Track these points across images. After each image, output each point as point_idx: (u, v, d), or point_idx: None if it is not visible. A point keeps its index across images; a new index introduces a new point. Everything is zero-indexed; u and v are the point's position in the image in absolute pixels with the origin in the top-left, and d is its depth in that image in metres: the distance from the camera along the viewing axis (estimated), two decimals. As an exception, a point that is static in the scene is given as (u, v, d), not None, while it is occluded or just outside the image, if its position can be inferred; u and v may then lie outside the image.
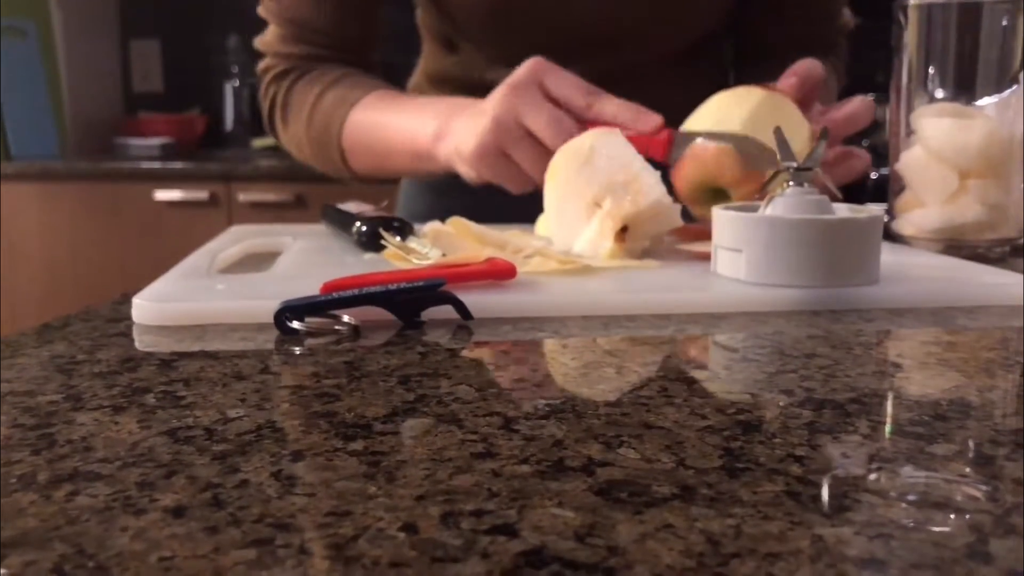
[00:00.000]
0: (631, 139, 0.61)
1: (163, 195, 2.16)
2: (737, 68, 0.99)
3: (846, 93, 0.80)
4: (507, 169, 0.69)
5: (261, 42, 0.89)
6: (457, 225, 0.59)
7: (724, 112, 0.65)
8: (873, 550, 0.21)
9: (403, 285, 0.44)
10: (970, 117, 0.65)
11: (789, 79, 0.68)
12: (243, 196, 2.14)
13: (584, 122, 0.65)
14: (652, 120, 0.65)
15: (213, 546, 0.21)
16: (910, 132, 0.69)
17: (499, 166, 0.68)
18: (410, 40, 1.00)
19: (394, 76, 0.90)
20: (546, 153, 0.65)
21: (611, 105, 0.65)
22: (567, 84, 0.66)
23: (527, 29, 0.86)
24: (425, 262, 0.53)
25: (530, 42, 0.83)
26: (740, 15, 0.95)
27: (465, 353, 0.40)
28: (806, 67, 0.70)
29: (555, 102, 0.66)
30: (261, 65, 0.90)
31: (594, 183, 0.58)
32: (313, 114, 0.85)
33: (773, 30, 0.96)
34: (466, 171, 0.71)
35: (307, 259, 0.60)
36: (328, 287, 0.46)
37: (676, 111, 0.75)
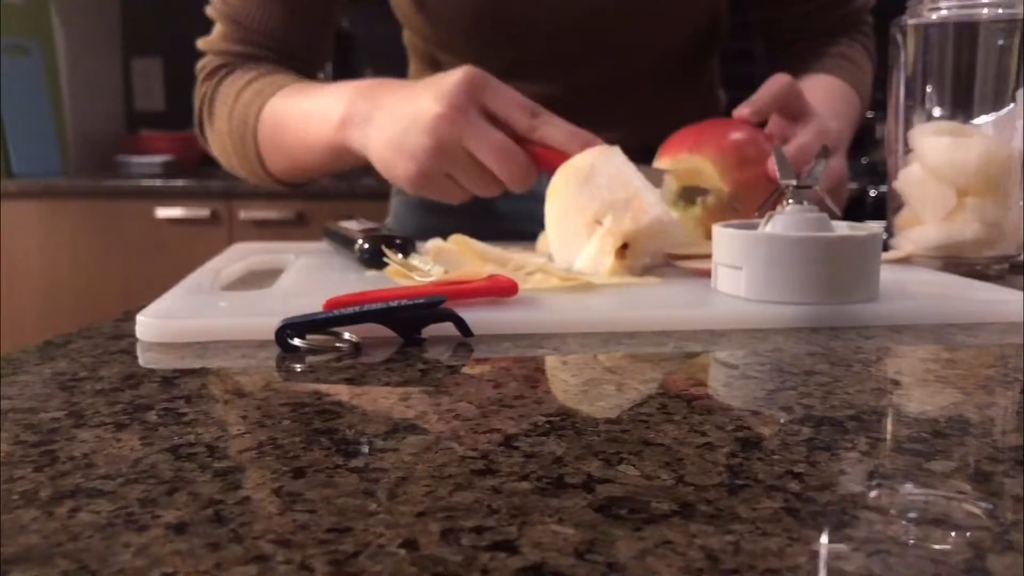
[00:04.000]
0: (559, 161, 0.62)
1: (164, 213, 2.17)
2: (770, 60, 0.99)
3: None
4: (446, 188, 0.67)
5: (203, 42, 0.85)
6: (459, 242, 0.59)
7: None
8: (872, 567, 0.21)
9: (403, 302, 0.45)
10: (968, 135, 0.66)
11: (742, 110, 0.69)
12: (244, 214, 2.15)
13: (527, 140, 0.64)
14: (596, 145, 0.63)
15: (215, 562, 0.21)
16: (908, 150, 0.69)
17: (439, 186, 0.66)
18: (400, 57, 1.00)
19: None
20: (488, 173, 0.64)
21: (557, 131, 0.63)
22: (509, 104, 0.63)
23: (514, 41, 0.86)
24: (427, 279, 0.53)
25: (517, 54, 0.83)
26: (754, 11, 0.95)
27: (466, 370, 0.40)
28: (768, 92, 0.69)
29: (497, 120, 0.64)
30: (198, 64, 0.86)
31: (595, 200, 0.58)
32: (234, 108, 0.81)
33: (788, 22, 0.96)
34: (395, 182, 0.68)
35: (309, 276, 0.60)
36: (331, 304, 0.47)
37: (668, 117, 0.76)
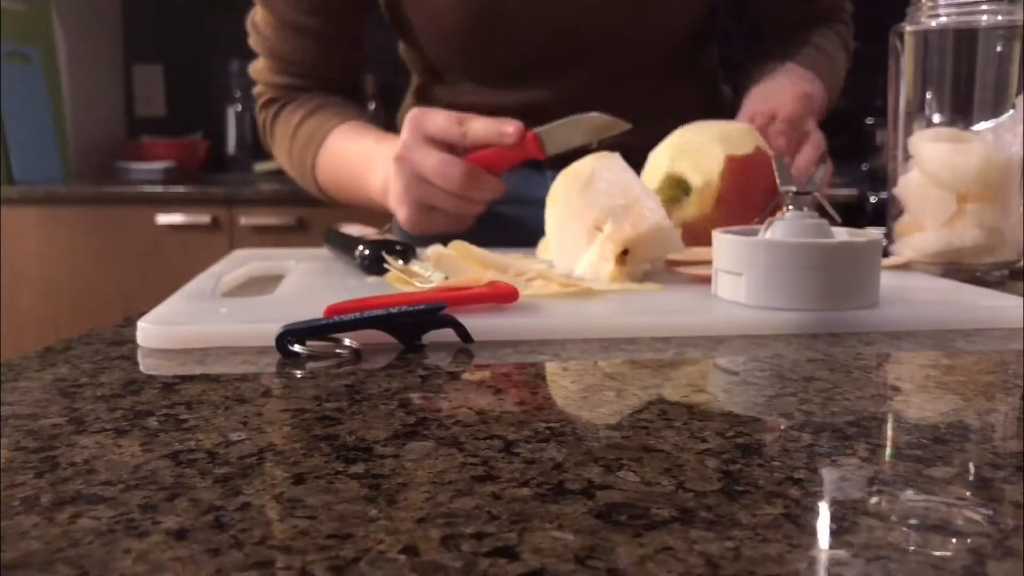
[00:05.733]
0: (506, 154, 0.68)
1: (165, 219, 2.17)
2: (747, 49, 1.00)
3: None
4: (438, 219, 0.72)
5: (253, 69, 0.93)
6: (459, 249, 0.60)
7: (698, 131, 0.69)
8: (872, 573, 0.21)
9: (404, 308, 0.45)
10: (967, 141, 0.66)
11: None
12: (245, 220, 2.15)
13: (470, 150, 0.69)
14: (511, 128, 0.68)
15: (215, 568, 0.21)
16: (908, 156, 0.69)
17: (432, 220, 0.72)
18: (401, 64, 1.01)
19: (391, 99, 0.92)
20: (455, 195, 0.69)
21: (477, 126, 0.68)
22: (438, 124, 0.69)
23: (506, 46, 0.86)
24: (428, 285, 0.53)
25: (511, 59, 0.85)
26: (735, 3, 0.96)
27: (466, 376, 0.40)
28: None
29: (438, 143, 0.69)
30: (255, 91, 0.95)
31: (595, 207, 0.58)
32: (292, 148, 0.90)
33: (762, 14, 0.97)
34: (410, 232, 0.75)
35: (310, 283, 0.60)
36: (332, 310, 0.47)
37: (663, 113, 0.76)
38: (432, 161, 0.68)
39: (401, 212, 0.73)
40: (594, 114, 0.69)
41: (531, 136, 0.68)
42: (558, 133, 0.68)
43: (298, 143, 0.89)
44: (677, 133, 0.70)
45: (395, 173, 0.71)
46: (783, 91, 0.81)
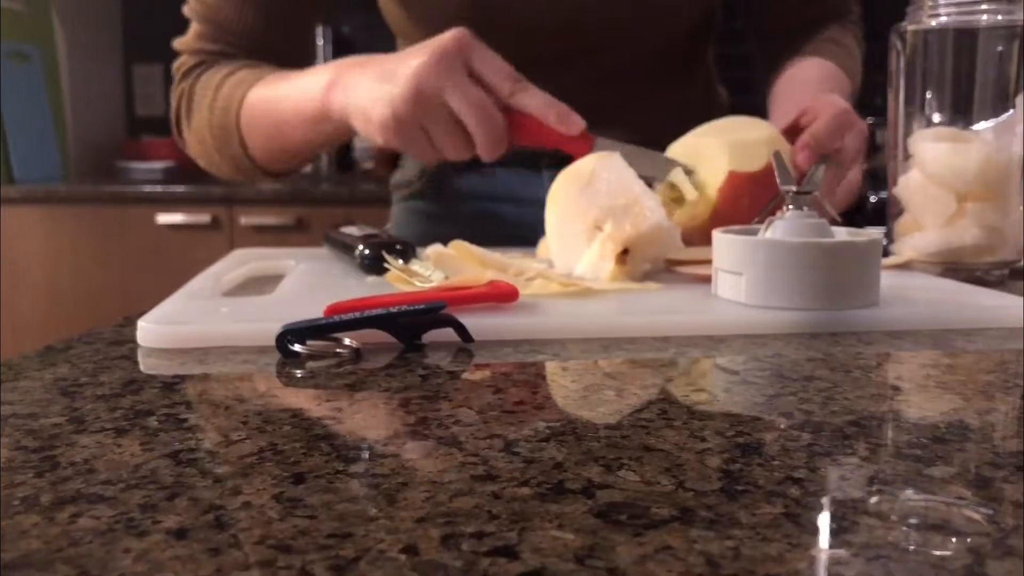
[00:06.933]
0: (548, 132, 0.63)
1: (165, 218, 2.17)
2: (760, 49, 0.99)
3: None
4: (418, 141, 0.66)
5: (179, 42, 0.86)
6: (459, 248, 0.60)
7: (739, 131, 0.67)
8: (871, 572, 0.21)
9: (404, 308, 0.45)
10: (967, 141, 0.66)
11: (803, 153, 0.66)
12: (245, 219, 2.15)
13: (506, 109, 0.65)
14: (576, 124, 0.64)
15: (215, 568, 0.21)
16: (908, 156, 0.69)
17: (412, 137, 0.65)
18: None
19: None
20: (462, 132, 0.64)
21: (534, 98, 0.64)
22: (494, 68, 0.64)
23: (503, 42, 0.86)
24: (428, 285, 0.53)
25: (508, 55, 0.83)
26: (741, 7, 0.96)
27: (466, 376, 0.40)
28: (824, 125, 0.68)
29: (480, 82, 0.64)
30: (175, 65, 0.86)
31: (595, 206, 0.58)
32: (215, 99, 0.81)
33: (774, 16, 0.96)
34: (370, 133, 0.67)
35: (310, 282, 0.60)
36: (332, 310, 0.47)
37: (666, 112, 0.76)
38: (473, 97, 0.62)
39: (385, 111, 0.64)
40: (665, 156, 0.66)
41: (590, 140, 0.65)
42: (616, 150, 0.64)
43: (220, 99, 0.80)
44: (696, 132, 0.69)
45: (411, 73, 0.62)
46: (823, 99, 0.73)
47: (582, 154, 0.64)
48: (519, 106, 0.64)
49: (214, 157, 0.84)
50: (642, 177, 0.59)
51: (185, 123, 0.85)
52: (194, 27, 0.85)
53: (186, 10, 0.85)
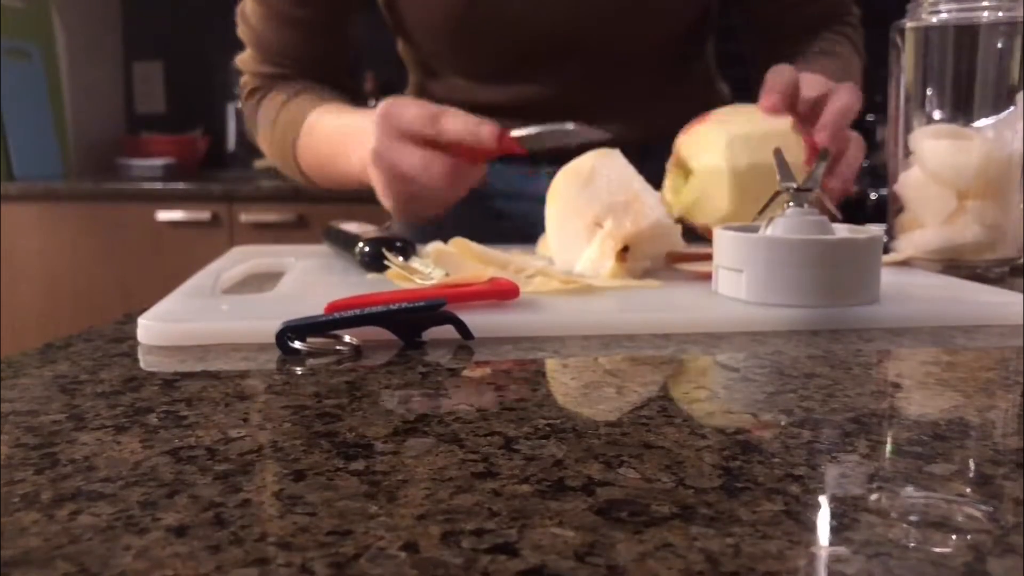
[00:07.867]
0: (485, 150, 0.65)
1: (165, 215, 2.17)
2: (759, 52, 0.98)
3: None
4: (427, 208, 0.71)
5: (239, 60, 0.93)
6: (459, 245, 0.60)
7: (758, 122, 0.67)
8: (872, 569, 0.21)
9: (404, 305, 0.45)
10: (968, 138, 0.66)
11: (771, 98, 0.68)
12: (245, 216, 2.15)
13: (444, 146, 0.66)
14: (487, 136, 0.65)
15: (215, 565, 0.21)
16: (908, 153, 0.69)
17: (419, 209, 0.71)
18: (400, 63, 1.01)
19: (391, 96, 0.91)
20: (438, 189, 0.67)
21: (452, 126, 0.66)
22: (413, 121, 0.66)
23: (498, 43, 0.86)
24: (428, 282, 0.53)
25: (503, 56, 0.84)
26: (732, 13, 0.95)
27: (466, 373, 0.40)
28: (780, 80, 0.69)
29: (414, 137, 0.67)
30: (241, 81, 0.94)
31: (595, 203, 0.58)
32: (273, 132, 0.89)
33: (764, 23, 0.96)
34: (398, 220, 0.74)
35: (310, 279, 0.60)
36: (331, 307, 0.47)
37: (665, 109, 0.75)
38: (412, 160, 0.67)
39: (386, 202, 0.71)
40: (572, 126, 0.67)
41: (508, 139, 0.67)
42: (536, 140, 0.67)
43: (279, 127, 0.88)
44: (737, 118, 0.69)
45: (374, 170, 0.69)
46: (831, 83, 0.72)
47: (514, 152, 0.67)
48: (448, 139, 0.66)
49: (283, 170, 0.94)
50: (580, 146, 0.62)
51: (256, 136, 0.95)
52: (248, 50, 0.92)
53: (239, 33, 0.92)
